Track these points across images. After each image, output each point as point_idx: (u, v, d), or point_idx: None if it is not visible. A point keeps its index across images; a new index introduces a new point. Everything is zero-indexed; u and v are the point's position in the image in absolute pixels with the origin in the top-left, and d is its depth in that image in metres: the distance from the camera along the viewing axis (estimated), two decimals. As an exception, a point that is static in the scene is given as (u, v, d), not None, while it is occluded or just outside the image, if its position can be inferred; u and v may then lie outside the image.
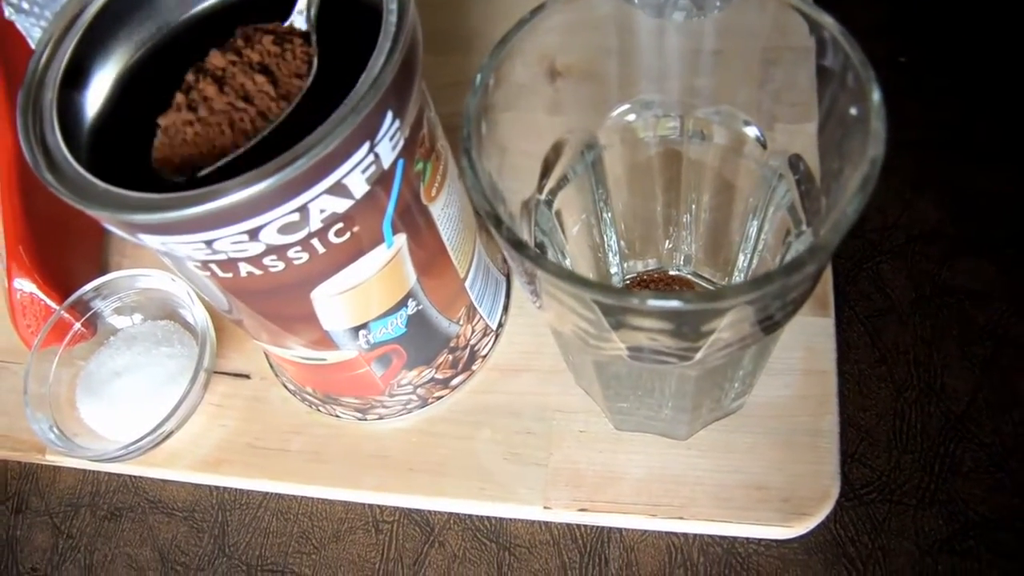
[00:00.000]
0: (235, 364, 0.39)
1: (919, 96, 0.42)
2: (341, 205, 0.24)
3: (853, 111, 0.22)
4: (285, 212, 0.22)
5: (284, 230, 0.23)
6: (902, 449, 0.33)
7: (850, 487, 0.33)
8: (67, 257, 0.40)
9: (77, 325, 0.38)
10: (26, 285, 0.38)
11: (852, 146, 0.22)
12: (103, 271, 0.42)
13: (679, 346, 0.23)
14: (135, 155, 0.27)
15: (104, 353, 0.38)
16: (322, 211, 0.23)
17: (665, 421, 0.31)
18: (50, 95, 0.25)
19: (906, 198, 0.39)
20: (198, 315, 0.36)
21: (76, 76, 0.26)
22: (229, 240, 0.23)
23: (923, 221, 0.39)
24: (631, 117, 0.29)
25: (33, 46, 0.28)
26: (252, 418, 0.37)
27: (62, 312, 0.38)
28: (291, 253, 0.24)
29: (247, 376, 0.38)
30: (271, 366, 0.38)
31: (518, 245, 0.20)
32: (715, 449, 0.33)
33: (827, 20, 0.22)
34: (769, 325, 0.24)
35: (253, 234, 0.23)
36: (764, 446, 0.32)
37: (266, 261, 0.24)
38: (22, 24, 0.28)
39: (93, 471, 0.39)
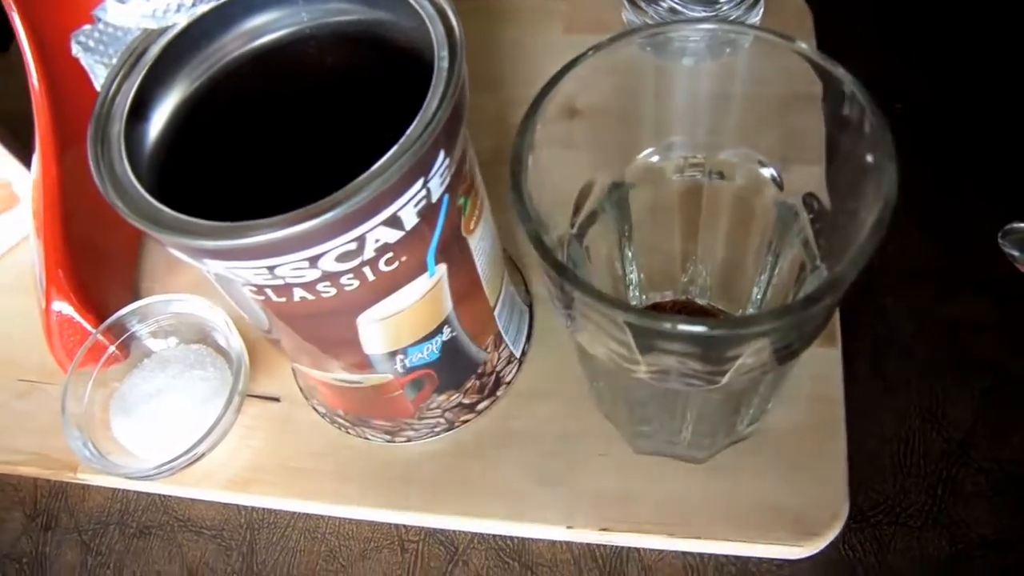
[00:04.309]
0: (265, 387, 0.40)
1: (915, 140, 0.45)
2: (393, 236, 0.25)
3: (869, 158, 0.24)
4: (345, 241, 0.24)
5: (341, 258, 0.25)
6: (906, 474, 0.35)
7: (857, 509, 0.34)
8: (102, 282, 0.41)
9: (112, 347, 0.40)
10: (64, 308, 0.39)
11: (867, 189, 0.24)
12: (136, 296, 0.43)
13: (704, 369, 0.25)
14: (192, 181, 0.29)
15: (138, 375, 0.40)
16: (376, 241, 0.25)
17: (683, 445, 0.33)
18: (118, 127, 0.27)
19: (905, 236, 0.41)
20: (233, 341, 0.38)
21: (140, 108, 0.28)
22: (290, 266, 0.24)
23: (921, 258, 0.41)
24: (656, 159, 0.31)
25: (94, 82, 0.30)
26: (281, 440, 0.38)
27: (98, 335, 0.39)
28: (343, 280, 0.26)
29: (277, 399, 0.40)
30: (301, 389, 0.39)
31: (560, 268, 0.22)
32: (730, 473, 0.34)
33: (842, 73, 0.25)
34: (786, 354, 0.26)
35: (313, 261, 0.24)
36: (776, 470, 0.34)
37: (319, 287, 0.26)
38: (87, 61, 0.30)
39: (122, 490, 0.40)
